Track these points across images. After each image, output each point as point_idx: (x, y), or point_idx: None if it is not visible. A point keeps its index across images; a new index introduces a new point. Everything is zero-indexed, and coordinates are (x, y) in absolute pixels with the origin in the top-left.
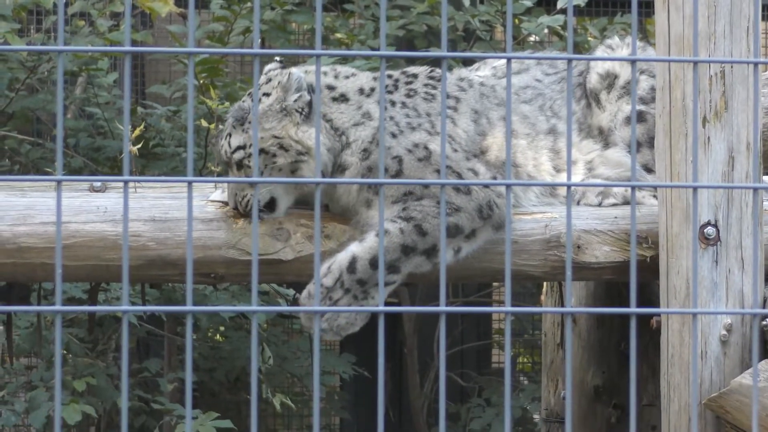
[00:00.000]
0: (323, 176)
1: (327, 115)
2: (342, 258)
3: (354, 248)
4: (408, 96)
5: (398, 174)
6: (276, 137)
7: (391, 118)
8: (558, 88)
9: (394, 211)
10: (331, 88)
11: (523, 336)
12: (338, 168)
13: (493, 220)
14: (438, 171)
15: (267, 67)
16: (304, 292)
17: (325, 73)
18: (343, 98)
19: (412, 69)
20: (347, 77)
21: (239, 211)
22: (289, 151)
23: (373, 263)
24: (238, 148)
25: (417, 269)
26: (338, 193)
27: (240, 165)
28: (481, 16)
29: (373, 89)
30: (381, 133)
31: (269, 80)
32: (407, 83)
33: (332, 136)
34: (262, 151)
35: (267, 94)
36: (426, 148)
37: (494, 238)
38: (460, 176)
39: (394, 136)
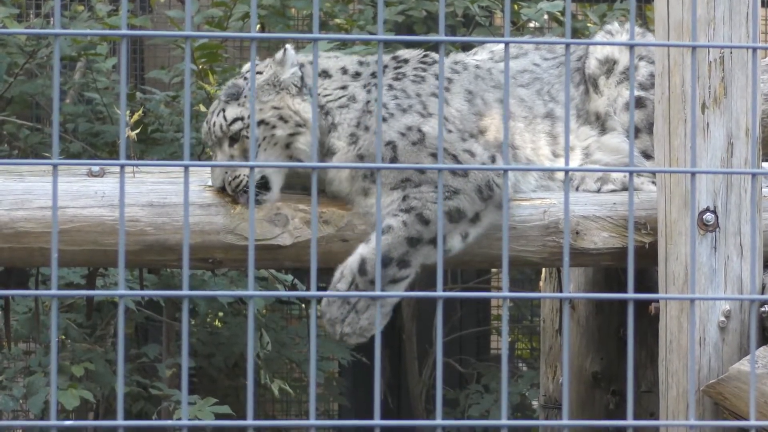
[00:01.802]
0: (321, 156)
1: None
2: (352, 261)
3: (362, 250)
4: (396, 79)
5: (393, 161)
6: (276, 108)
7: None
8: (556, 72)
9: (393, 201)
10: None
11: (522, 322)
12: (327, 151)
13: (494, 201)
14: (434, 154)
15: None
16: (324, 301)
17: (308, 55)
18: (325, 74)
19: (404, 53)
20: (329, 57)
21: (227, 192)
22: (288, 122)
23: (384, 261)
24: (236, 119)
25: (428, 260)
26: (329, 178)
27: (236, 137)
28: (480, 1)
29: (358, 73)
30: (378, 119)
31: (257, 63)
32: (396, 68)
33: (318, 115)
34: (261, 122)
35: (260, 72)
36: (419, 130)
37: (499, 221)
38: (456, 158)
39: (384, 120)
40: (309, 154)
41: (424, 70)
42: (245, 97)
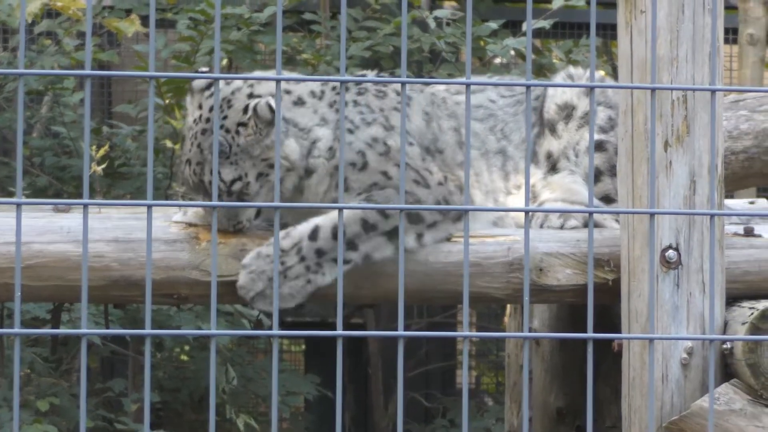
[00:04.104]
0: (298, 179)
1: (293, 119)
2: (304, 227)
3: (317, 219)
4: (359, 94)
5: (365, 166)
6: (264, 160)
7: (346, 117)
8: (511, 111)
9: (360, 202)
10: (288, 92)
11: (488, 357)
12: (306, 173)
13: (451, 214)
14: (397, 165)
15: (212, 90)
16: (255, 252)
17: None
18: (300, 102)
19: (363, 73)
20: (297, 83)
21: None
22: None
23: (335, 233)
24: (234, 180)
25: (376, 251)
26: (304, 196)
27: (240, 195)
28: (447, 38)
29: (323, 92)
30: (342, 144)
31: (230, 103)
32: (356, 84)
33: (300, 138)
34: (260, 175)
35: (243, 124)
36: (385, 143)
37: (455, 232)
38: (417, 172)
39: (351, 132)
40: (291, 193)
41: (385, 85)
42: (236, 155)
